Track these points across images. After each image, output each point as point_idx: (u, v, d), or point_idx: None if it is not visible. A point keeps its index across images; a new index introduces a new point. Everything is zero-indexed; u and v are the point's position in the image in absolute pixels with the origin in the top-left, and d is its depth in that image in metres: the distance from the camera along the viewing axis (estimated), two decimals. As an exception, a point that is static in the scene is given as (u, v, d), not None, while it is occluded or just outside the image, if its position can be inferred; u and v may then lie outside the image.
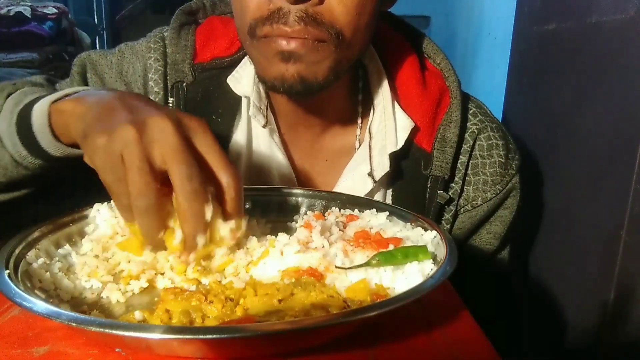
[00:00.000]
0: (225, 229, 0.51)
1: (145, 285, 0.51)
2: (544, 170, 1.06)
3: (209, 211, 0.48)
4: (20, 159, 0.58)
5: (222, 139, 0.77)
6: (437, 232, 0.54)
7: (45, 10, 2.21)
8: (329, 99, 0.75)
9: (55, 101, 0.56)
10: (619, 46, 0.83)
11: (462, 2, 2.22)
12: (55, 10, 2.23)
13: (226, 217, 0.51)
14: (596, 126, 0.89)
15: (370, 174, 0.75)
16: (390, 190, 0.79)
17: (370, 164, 0.75)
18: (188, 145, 0.47)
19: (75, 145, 0.56)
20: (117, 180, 0.46)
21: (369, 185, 0.75)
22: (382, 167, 0.75)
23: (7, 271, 0.45)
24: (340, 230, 0.58)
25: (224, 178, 0.50)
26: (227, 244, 0.52)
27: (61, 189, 0.67)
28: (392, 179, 0.78)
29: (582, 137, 0.94)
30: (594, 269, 0.88)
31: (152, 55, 0.78)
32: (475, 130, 0.80)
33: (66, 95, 0.57)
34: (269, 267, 0.52)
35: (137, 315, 0.44)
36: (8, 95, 0.63)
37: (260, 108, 0.75)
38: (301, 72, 0.63)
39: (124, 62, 0.80)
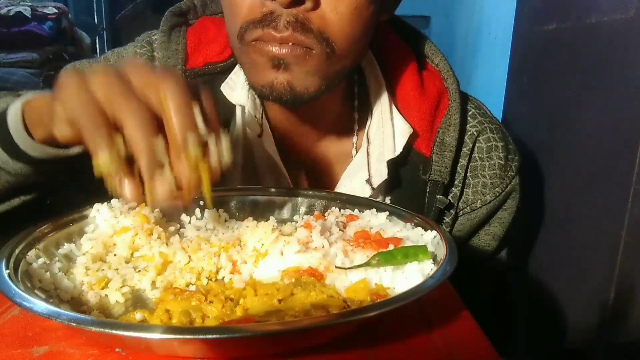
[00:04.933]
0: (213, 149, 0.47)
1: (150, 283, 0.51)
2: (544, 170, 1.06)
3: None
4: (2, 163, 0.56)
5: None
6: (437, 232, 0.54)
7: (45, 10, 2.21)
8: (324, 106, 0.74)
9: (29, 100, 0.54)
10: (619, 46, 0.83)
11: (462, 2, 2.22)
12: (55, 10, 2.23)
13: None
14: (596, 126, 0.89)
15: (369, 181, 0.74)
16: (389, 196, 0.78)
17: (368, 170, 0.74)
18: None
19: (54, 144, 0.54)
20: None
21: (367, 192, 0.74)
22: (380, 174, 0.74)
23: (7, 271, 0.45)
24: (340, 230, 0.58)
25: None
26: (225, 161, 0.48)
27: (55, 201, 0.65)
28: (390, 185, 0.77)
29: (582, 137, 0.94)
30: (594, 269, 0.88)
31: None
32: (475, 133, 0.79)
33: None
34: (269, 267, 0.52)
35: (137, 315, 0.44)
36: None
37: (255, 116, 0.73)
38: (291, 81, 0.62)
39: None
